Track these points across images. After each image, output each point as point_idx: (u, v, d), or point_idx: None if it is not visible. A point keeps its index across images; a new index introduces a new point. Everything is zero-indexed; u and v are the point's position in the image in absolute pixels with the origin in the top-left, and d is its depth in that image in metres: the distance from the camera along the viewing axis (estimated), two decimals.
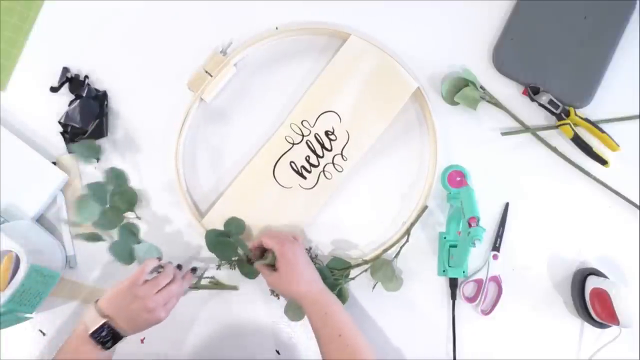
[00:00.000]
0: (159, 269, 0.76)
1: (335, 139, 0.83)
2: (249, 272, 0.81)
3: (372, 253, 0.83)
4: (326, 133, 0.83)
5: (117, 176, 0.80)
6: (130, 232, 0.80)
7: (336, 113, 0.83)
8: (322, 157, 0.83)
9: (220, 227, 0.82)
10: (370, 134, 0.83)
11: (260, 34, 0.84)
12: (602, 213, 0.85)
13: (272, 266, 0.76)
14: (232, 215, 0.82)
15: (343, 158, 0.83)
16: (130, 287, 0.69)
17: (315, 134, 0.83)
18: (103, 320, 0.67)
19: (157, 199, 0.84)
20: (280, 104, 0.85)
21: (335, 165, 0.83)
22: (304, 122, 0.83)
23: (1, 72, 0.84)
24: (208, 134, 0.85)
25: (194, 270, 0.81)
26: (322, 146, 0.83)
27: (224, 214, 0.82)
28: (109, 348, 0.68)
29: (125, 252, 0.77)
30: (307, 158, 0.83)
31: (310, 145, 0.83)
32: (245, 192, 0.83)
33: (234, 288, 0.83)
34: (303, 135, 0.83)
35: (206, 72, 0.82)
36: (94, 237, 0.77)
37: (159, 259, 0.77)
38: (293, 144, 0.83)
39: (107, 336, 0.67)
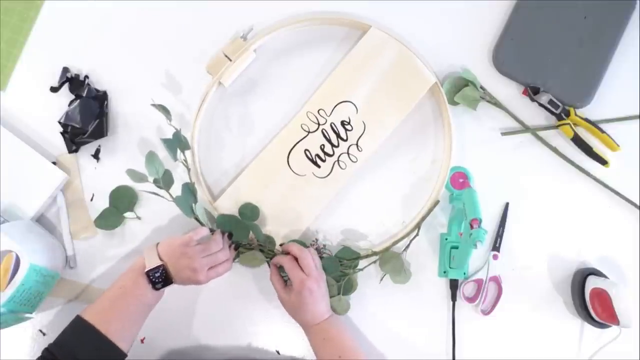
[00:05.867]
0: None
1: (351, 129, 0.83)
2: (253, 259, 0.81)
3: (382, 245, 0.83)
4: (342, 123, 0.83)
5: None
6: (190, 191, 0.80)
7: (353, 103, 0.83)
8: (337, 146, 0.83)
9: (231, 211, 0.82)
10: (386, 126, 0.83)
11: (281, 22, 0.84)
12: (601, 213, 0.85)
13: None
14: (244, 200, 0.82)
15: (358, 149, 0.83)
16: (182, 244, 0.73)
17: (331, 123, 0.83)
18: (160, 263, 0.71)
19: (158, 197, 0.84)
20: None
21: (350, 156, 0.83)
22: (320, 111, 0.83)
23: (1, 72, 0.84)
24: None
25: (235, 246, 0.80)
26: (338, 136, 0.83)
27: (236, 198, 0.82)
28: (158, 289, 0.72)
29: (186, 207, 0.79)
30: (322, 147, 0.83)
31: (326, 134, 0.83)
32: (259, 178, 0.83)
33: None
34: (319, 124, 0.83)
35: (225, 56, 0.82)
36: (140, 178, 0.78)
37: (211, 229, 0.78)
38: (309, 132, 0.83)
39: (160, 277, 0.71)
